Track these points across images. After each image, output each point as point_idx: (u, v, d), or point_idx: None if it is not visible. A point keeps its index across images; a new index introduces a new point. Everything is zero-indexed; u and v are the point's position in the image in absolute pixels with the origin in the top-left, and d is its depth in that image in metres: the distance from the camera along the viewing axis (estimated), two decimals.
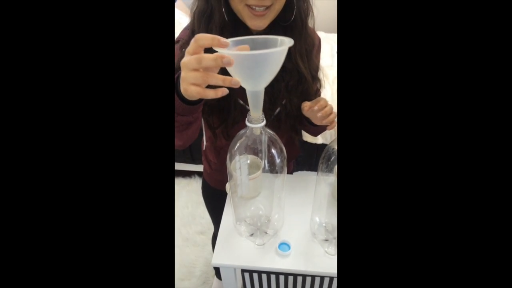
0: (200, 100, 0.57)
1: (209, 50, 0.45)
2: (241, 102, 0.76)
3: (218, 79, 0.45)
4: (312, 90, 0.79)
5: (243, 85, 0.50)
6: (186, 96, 0.50)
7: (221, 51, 0.45)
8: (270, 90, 0.74)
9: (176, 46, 0.75)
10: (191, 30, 0.71)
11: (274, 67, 0.49)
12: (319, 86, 0.84)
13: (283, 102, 0.78)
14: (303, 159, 1.75)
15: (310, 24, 0.76)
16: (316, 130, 0.86)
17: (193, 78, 0.46)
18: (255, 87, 0.51)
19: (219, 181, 0.97)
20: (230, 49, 0.51)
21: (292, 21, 0.70)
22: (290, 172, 1.09)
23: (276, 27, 0.71)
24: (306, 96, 0.79)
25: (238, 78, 0.48)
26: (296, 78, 0.75)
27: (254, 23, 0.65)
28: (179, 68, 0.49)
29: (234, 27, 0.68)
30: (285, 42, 0.50)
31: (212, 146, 0.91)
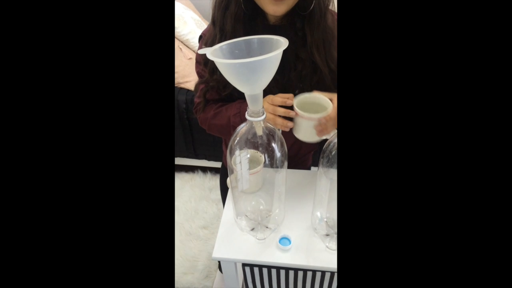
0: None
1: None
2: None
3: (279, 123, 0.70)
4: (328, 81, 0.76)
5: (241, 90, 0.50)
6: None
7: (216, 60, 0.46)
8: (281, 79, 0.74)
9: (200, 42, 0.79)
10: (212, 21, 0.72)
11: (269, 71, 0.49)
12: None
13: (296, 92, 0.76)
14: None
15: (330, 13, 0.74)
16: None
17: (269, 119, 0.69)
18: (253, 91, 0.51)
19: None
20: (225, 54, 0.52)
21: (311, 10, 0.69)
22: (308, 167, 1.04)
23: (294, 16, 0.70)
24: (322, 87, 0.76)
25: (235, 84, 0.50)
26: (310, 68, 0.74)
27: (273, 8, 0.65)
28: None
29: (250, 16, 0.69)
30: (281, 43, 0.49)
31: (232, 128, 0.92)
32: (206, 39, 0.74)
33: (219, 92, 0.77)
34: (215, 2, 0.71)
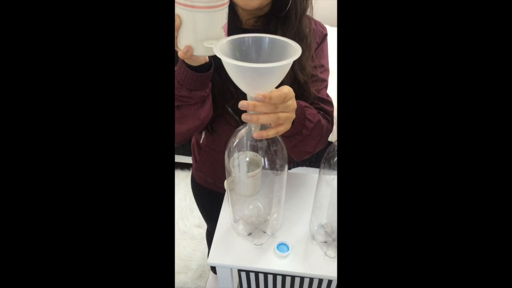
0: (209, 67, 0.61)
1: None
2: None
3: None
4: (300, 92, 0.68)
5: (245, 91, 0.48)
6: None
7: (224, 59, 0.44)
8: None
9: None
10: None
11: (278, 78, 0.47)
12: (311, 93, 0.70)
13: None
14: None
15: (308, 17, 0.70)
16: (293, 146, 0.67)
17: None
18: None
19: (202, 178, 0.95)
20: (234, 49, 0.49)
21: (287, 12, 0.65)
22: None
23: (270, 19, 0.67)
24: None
25: (239, 85, 0.48)
26: None
27: (244, 1, 0.61)
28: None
29: None
30: (293, 48, 0.47)
31: (197, 143, 0.89)
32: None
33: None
34: None
